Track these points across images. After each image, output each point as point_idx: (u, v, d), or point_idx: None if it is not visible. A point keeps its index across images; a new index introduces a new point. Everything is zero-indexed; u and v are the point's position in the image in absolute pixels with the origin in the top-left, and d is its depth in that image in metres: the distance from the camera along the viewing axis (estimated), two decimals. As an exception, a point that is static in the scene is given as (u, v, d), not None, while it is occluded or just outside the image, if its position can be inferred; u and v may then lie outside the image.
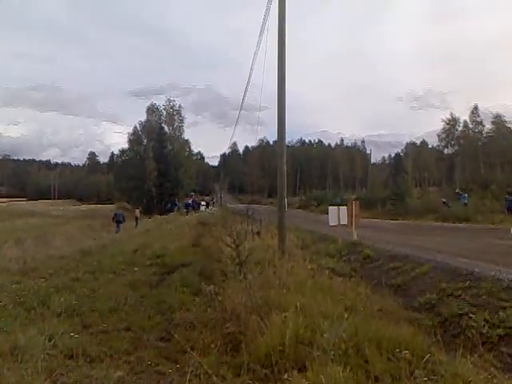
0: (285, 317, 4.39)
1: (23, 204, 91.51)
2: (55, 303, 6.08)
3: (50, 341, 4.34)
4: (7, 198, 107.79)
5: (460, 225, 19.36)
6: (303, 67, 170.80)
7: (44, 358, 3.87)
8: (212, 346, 4.42)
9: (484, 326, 5.00)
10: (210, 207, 47.33)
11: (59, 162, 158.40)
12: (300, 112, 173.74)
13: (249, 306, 4.99)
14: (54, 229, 34.33)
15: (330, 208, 14.31)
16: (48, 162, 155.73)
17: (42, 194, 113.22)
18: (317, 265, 8.70)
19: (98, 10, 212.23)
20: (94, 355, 4.28)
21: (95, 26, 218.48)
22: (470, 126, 69.29)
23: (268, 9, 10.38)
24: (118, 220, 26.82)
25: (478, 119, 68.40)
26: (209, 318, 5.50)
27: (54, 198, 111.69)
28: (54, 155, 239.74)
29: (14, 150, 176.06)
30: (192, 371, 3.63)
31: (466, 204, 24.71)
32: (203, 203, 47.00)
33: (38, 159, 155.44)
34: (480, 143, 66.73)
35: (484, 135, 68.19)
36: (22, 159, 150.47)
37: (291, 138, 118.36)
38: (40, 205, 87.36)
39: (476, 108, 68.32)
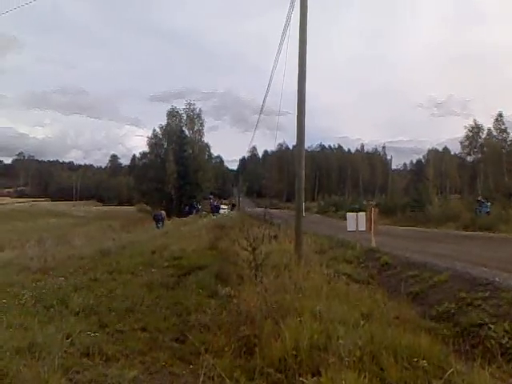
0: (300, 321, 4.38)
1: (46, 204, 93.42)
2: (74, 302, 6.15)
3: (67, 339, 4.39)
4: (30, 197, 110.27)
5: (481, 233, 18.95)
6: (324, 72, 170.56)
7: (61, 355, 3.92)
8: (226, 348, 4.42)
9: (504, 336, 4.87)
10: (230, 210, 47.32)
11: (82, 163, 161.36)
12: (320, 117, 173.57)
13: (264, 310, 4.98)
14: (74, 229, 34.96)
15: (348, 214, 14.22)
16: (71, 163, 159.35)
17: (64, 195, 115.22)
18: (333, 270, 8.63)
19: (122, 14, 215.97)
20: (109, 354, 4.32)
21: (118, 30, 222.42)
22: (494, 133, 68.13)
23: (290, 13, 10.40)
24: (156, 219, 31.09)
25: (503, 127, 67.23)
26: (224, 320, 5.51)
27: (76, 199, 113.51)
28: (76, 157, 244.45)
29: (38, 151, 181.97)
30: (205, 373, 3.64)
31: (488, 213, 24.21)
32: (223, 206, 47.10)
33: (61, 160, 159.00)
34: (504, 151, 65.48)
35: (508, 143, 66.93)
36: (46, 160, 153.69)
37: (311, 143, 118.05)
38: (62, 205, 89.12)
39: (500, 115, 67.18)
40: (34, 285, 7.37)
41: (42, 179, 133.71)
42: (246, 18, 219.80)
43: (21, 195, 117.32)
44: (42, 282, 7.73)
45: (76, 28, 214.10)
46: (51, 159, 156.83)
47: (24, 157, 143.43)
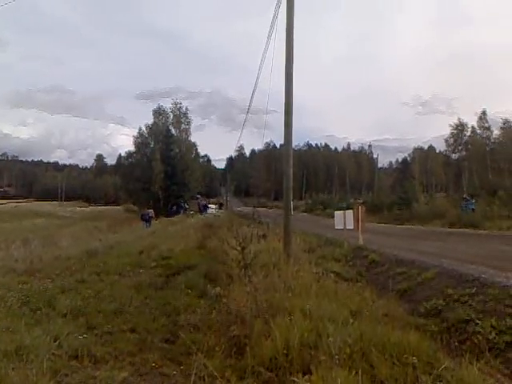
0: (290, 320, 4.38)
1: (31, 205, 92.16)
2: (61, 304, 6.09)
3: (55, 341, 4.35)
4: (15, 198, 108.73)
5: (467, 230, 19.19)
6: (310, 72, 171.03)
7: (49, 358, 3.88)
8: (217, 348, 4.40)
9: (491, 332, 4.95)
10: (217, 209, 47.26)
11: (67, 163, 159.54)
12: (307, 116, 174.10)
13: (254, 309, 4.98)
14: (60, 230, 34.55)
15: (336, 212, 14.33)
16: (56, 163, 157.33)
17: (50, 195, 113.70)
18: (322, 269, 8.66)
19: (108, 13, 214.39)
20: (98, 356, 4.29)
21: (105, 29, 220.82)
22: (478, 131, 69.02)
23: (276, 13, 10.40)
24: (144, 219, 31.36)
25: (486, 125, 68.14)
26: (214, 320, 5.50)
27: (62, 200, 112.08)
28: (61, 157, 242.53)
29: (22, 151, 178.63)
30: (196, 373, 3.62)
31: (473, 210, 24.53)
32: (211, 205, 47.01)
33: (46, 160, 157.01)
34: (488, 148, 66.38)
35: (492, 140, 67.87)
36: (30, 160, 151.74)
37: (298, 141, 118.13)
38: (47, 206, 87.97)
39: (484, 113, 68.05)
40: (20, 287, 7.27)
41: (27, 180, 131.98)
42: (234, 18, 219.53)
43: (5, 196, 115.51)
44: (28, 284, 7.62)
45: (61, 27, 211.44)
46: (35, 159, 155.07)
47: (7, 157, 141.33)
